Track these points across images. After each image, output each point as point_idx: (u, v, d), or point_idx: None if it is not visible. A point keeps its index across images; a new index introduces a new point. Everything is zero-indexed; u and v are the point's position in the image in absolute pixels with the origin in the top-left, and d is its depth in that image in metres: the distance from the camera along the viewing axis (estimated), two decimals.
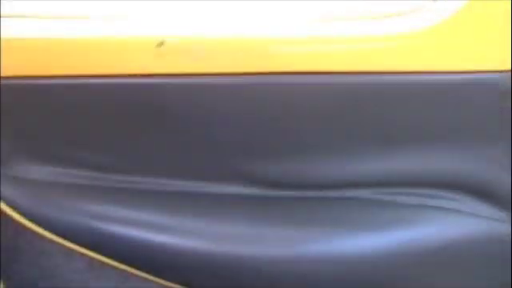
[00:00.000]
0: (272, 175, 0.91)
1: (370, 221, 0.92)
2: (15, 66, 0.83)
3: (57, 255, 0.95)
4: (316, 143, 0.88)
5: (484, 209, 0.91)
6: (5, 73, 0.83)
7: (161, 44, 0.78)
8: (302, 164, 0.90)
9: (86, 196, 0.92)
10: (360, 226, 0.92)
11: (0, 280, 0.94)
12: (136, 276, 0.96)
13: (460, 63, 0.80)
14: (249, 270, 0.92)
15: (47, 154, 0.91)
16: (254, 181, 0.92)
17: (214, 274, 0.93)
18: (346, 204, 0.93)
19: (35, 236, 0.94)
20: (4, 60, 0.82)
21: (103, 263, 0.95)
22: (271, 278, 0.92)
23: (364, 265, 0.92)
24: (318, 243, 0.92)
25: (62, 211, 0.92)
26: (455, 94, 0.83)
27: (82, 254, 0.95)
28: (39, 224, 0.92)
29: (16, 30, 0.82)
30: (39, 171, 0.92)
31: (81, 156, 0.91)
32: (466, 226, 0.92)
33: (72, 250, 0.94)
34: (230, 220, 0.92)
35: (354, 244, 0.92)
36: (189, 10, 0.81)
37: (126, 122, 0.87)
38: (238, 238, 0.91)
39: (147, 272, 0.95)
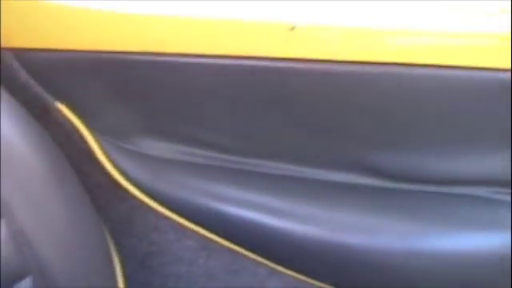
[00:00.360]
0: (391, 167, 0.90)
1: (484, 219, 0.91)
2: (142, 42, 0.83)
3: (169, 232, 0.96)
4: (436, 138, 0.87)
5: None
6: (129, 49, 0.84)
7: (292, 29, 0.78)
8: (422, 158, 0.89)
9: (203, 175, 0.93)
10: (475, 224, 0.91)
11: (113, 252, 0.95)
12: (245, 257, 0.96)
13: None
14: (361, 259, 0.91)
15: (169, 132, 0.92)
16: (372, 171, 0.91)
17: (325, 261, 0.93)
18: (462, 201, 0.92)
19: (149, 211, 0.95)
20: (130, 36, 0.83)
21: (214, 242, 0.96)
22: (383, 269, 0.92)
23: (479, 264, 0.90)
24: (432, 238, 0.91)
25: (179, 188, 0.92)
26: None
27: (194, 232, 0.95)
28: (155, 199, 0.93)
29: (154, 7, 0.82)
30: (159, 147, 0.93)
31: (202, 135, 0.91)
32: None
33: (184, 228, 0.95)
34: (345, 208, 0.91)
35: (468, 242, 0.91)
36: None
37: (249, 105, 0.86)
38: (352, 227, 0.91)
39: (258, 254, 0.95)
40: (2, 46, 0.87)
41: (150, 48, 0.83)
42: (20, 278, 0.78)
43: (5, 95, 0.80)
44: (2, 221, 0.76)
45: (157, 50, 0.82)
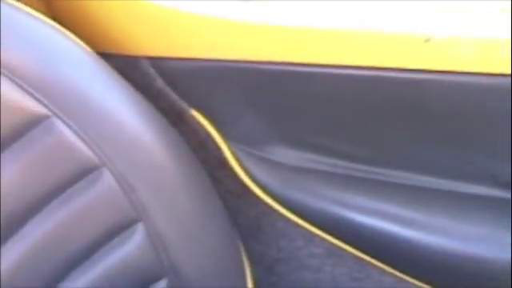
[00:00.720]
0: None
1: None
2: (276, 52, 0.85)
3: (297, 239, 0.97)
4: None
5: None
6: (264, 58, 0.85)
7: (427, 40, 0.78)
8: None
9: (332, 183, 0.93)
10: None
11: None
12: (371, 265, 0.96)
13: None
14: (492, 272, 0.90)
15: (300, 140, 0.93)
16: (502, 184, 0.89)
17: (454, 272, 0.92)
18: None
19: (278, 218, 0.96)
20: (266, 45, 0.85)
21: (340, 250, 0.96)
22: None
23: None
24: None
25: (308, 196, 0.93)
26: None
27: (321, 240, 0.96)
28: (284, 206, 0.95)
29: (277, 16, 0.84)
30: (290, 155, 0.94)
31: (332, 145, 0.92)
32: None
33: (312, 235, 0.96)
34: (476, 220, 0.90)
35: None
36: (455, 8, 0.81)
37: (381, 115, 0.87)
38: (483, 239, 0.90)
39: (384, 263, 0.95)
40: (140, 54, 0.90)
41: (283, 58, 0.84)
42: (156, 279, 0.81)
43: (144, 102, 0.83)
44: (141, 224, 0.79)
45: (291, 60, 0.84)
